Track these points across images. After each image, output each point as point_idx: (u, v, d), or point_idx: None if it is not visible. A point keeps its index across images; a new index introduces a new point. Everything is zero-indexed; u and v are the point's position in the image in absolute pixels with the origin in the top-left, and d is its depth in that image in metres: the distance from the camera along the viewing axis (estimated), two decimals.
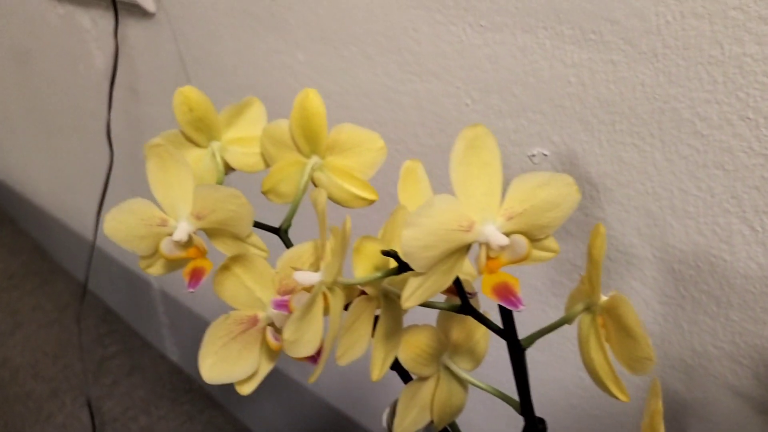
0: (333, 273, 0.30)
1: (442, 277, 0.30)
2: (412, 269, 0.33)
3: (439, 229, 0.28)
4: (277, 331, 0.36)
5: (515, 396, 0.39)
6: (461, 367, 0.41)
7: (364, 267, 0.33)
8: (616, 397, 0.33)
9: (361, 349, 0.35)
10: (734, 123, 0.47)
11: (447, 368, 0.41)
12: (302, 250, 0.36)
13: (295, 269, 0.33)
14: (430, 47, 0.63)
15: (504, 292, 0.30)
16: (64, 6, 1.16)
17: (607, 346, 0.33)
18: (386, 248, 0.31)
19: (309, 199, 0.43)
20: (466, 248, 0.30)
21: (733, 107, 0.47)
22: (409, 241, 0.27)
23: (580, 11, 0.51)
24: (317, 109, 0.42)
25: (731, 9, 0.44)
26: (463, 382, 0.42)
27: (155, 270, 0.42)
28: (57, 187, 1.63)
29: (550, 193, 0.30)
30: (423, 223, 0.27)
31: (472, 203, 0.29)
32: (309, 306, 0.29)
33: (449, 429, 0.45)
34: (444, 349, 0.41)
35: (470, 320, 0.42)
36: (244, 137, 0.47)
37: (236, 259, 0.34)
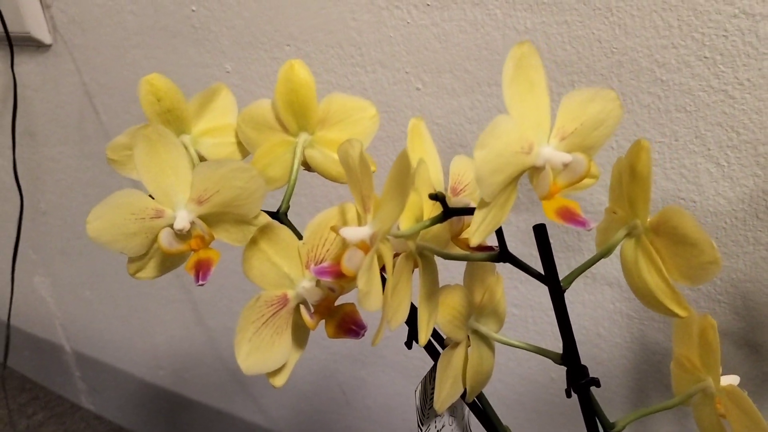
0: (392, 218, 0.27)
1: (500, 210, 0.29)
2: (454, 215, 0.32)
3: (505, 151, 0.27)
4: (311, 307, 0.33)
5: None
6: (489, 329, 0.40)
7: (405, 220, 0.31)
8: (676, 315, 0.32)
9: (406, 311, 0.32)
10: (692, 64, 0.49)
11: (475, 332, 0.40)
12: (329, 216, 0.33)
13: (334, 230, 0.30)
14: (373, 35, 0.62)
15: (569, 214, 0.29)
16: None
17: None
18: (433, 192, 0.30)
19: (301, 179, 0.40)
20: (519, 177, 0.29)
21: (690, 49, 0.49)
22: (481, 165, 0.26)
23: None
24: (304, 80, 0.40)
25: None
26: (490, 346, 0.41)
27: (147, 273, 0.38)
28: None
29: (596, 109, 0.30)
30: (492, 144, 0.26)
31: (527, 125, 0.28)
32: (373, 256, 0.27)
33: (477, 401, 0.43)
34: (472, 312, 0.39)
35: (490, 278, 0.40)
36: (216, 127, 0.44)
37: (263, 231, 0.31)
